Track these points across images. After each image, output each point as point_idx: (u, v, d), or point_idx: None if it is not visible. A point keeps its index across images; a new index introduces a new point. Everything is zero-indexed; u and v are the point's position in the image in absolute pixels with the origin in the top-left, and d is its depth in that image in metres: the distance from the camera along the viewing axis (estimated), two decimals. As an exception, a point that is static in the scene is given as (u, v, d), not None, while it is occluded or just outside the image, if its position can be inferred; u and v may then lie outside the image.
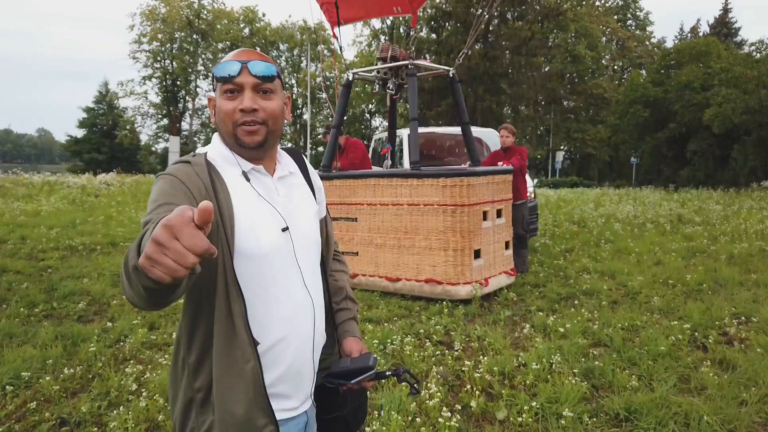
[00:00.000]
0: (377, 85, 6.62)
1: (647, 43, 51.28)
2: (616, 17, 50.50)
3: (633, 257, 7.52)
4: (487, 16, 25.25)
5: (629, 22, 52.87)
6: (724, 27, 43.82)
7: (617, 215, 12.35)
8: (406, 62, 6.07)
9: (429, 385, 3.40)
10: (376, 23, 40.09)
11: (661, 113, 28.71)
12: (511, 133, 6.74)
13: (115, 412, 3.14)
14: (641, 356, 3.94)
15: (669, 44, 47.74)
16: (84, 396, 3.40)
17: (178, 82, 47.06)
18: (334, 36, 6.60)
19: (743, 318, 4.81)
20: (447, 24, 29.50)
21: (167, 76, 46.63)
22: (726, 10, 44.19)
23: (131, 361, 3.93)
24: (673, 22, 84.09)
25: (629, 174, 40.75)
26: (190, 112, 48.25)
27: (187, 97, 48.46)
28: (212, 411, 1.22)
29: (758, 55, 25.29)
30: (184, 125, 48.26)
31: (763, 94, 21.97)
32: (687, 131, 27.44)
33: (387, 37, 38.93)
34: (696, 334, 4.40)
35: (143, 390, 3.40)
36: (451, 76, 6.37)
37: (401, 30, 37.15)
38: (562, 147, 46.05)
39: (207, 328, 1.22)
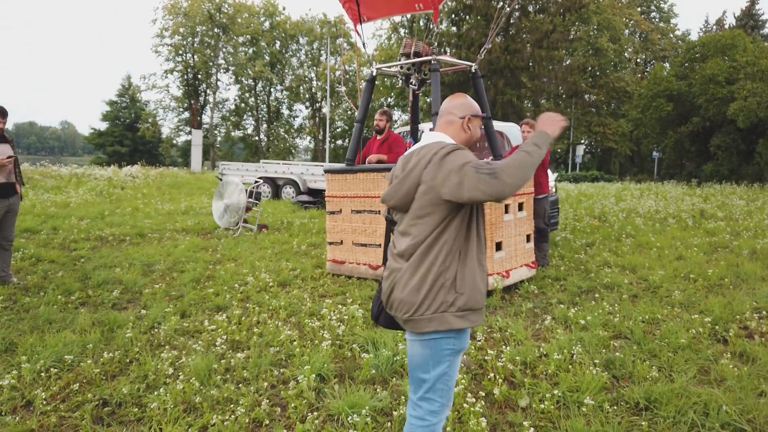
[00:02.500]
0: (400, 81, 6.72)
1: (671, 35, 50.50)
2: (639, 9, 49.79)
3: (654, 252, 7.54)
4: (508, 9, 25.13)
5: (653, 14, 52.08)
6: (750, 19, 42.98)
7: (638, 210, 12.31)
8: (429, 58, 6.15)
9: (453, 372, 3.51)
10: (396, 17, 40.06)
11: (684, 107, 28.34)
12: (533, 128, 6.78)
13: (155, 393, 3.31)
14: (661, 348, 4.01)
15: (694, 37, 47.00)
16: (123, 379, 3.57)
17: (200, 76, 47.53)
18: (357, 33, 6.70)
19: (764, 312, 4.84)
20: (468, 17, 29.38)
21: (188, 70, 47.13)
22: (753, 2, 43.31)
23: (166, 347, 4.10)
24: (698, 14, 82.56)
25: (651, 168, 40.33)
26: (211, 105, 48.71)
27: (207, 91, 48.92)
28: (458, 290, 2.02)
29: (785, 47, 24.84)
30: (205, 118, 48.77)
31: (790, 87, 21.58)
32: (711, 125, 27.05)
33: (407, 30, 38.89)
34: (716, 327, 4.44)
35: (180, 374, 3.57)
36: (473, 71, 6.44)
37: (421, 23, 37.09)
38: (582, 141, 45.66)
39: (465, 240, 2.06)
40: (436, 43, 6.30)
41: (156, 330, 4.49)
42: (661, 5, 51.72)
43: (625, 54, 47.90)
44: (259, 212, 9.81)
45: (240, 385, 3.47)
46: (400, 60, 6.47)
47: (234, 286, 5.73)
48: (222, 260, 7.15)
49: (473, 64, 6.41)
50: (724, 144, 26.04)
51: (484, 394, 3.30)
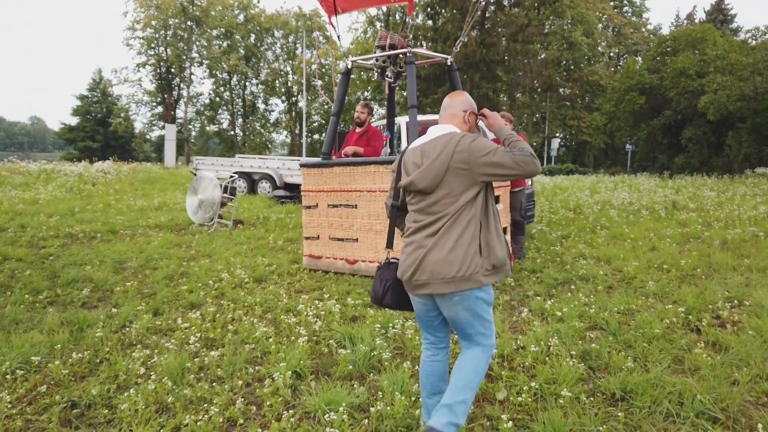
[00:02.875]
0: (376, 73, 6.66)
1: (643, 29, 51.22)
2: (612, 4, 50.39)
3: (628, 243, 7.63)
4: (483, 3, 25.14)
5: (625, 8, 52.76)
6: (720, 14, 43.78)
7: (613, 202, 12.46)
8: (405, 50, 6.10)
9: (431, 367, 3.49)
10: (371, 10, 39.89)
11: (656, 100, 28.77)
12: (509, 120, 6.78)
13: (125, 394, 3.22)
14: (636, 339, 4.04)
15: (665, 31, 47.72)
16: (93, 380, 3.47)
17: (173, 69, 46.77)
18: (332, 25, 6.62)
19: (736, 302, 4.91)
20: (443, 11, 29.37)
21: (161, 63, 46.34)
22: (722, -4, 44.09)
23: (137, 346, 4.00)
24: (669, 8, 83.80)
25: (624, 161, 40.93)
26: (185, 99, 47.99)
27: (181, 85, 48.18)
28: (483, 254, 2.42)
29: (753, 42, 25.34)
30: (179, 113, 48.03)
31: (758, 81, 22.02)
32: (682, 118, 27.52)
33: (383, 24, 38.78)
34: (690, 317, 4.49)
35: (151, 373, 3.48)
36: (449, 64, 6.41)
37: (397, 17, 36.97)
38: (557, 134, 46.13)
39: (484, 213, 2.46)
40: (411, 36, 6.25)
41: (127, 329, 4.39)
42: (633, 0, 52.41)
43: (599, 48, 48.46)
44: (234, 207, 9.68)
45: (214, 383, 3.40)
46: (375, 52, 6.41)
47: (208, 283, 5.64)
48: (196, 257, 7.03)
49: (449, 57, 6.38)
50: (695, 136, 26.51)
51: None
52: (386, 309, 3.29)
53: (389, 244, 2.79)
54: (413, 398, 3.14)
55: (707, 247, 7.25)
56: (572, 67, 44.62)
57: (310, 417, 3.04)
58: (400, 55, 6.35)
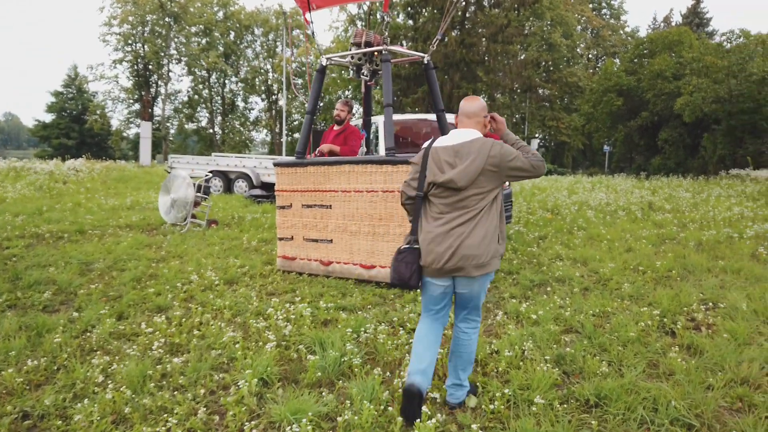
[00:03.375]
0: (351, 71, 6.55)
1: (621, 32, 51.79)
2: (591, 6, 50.85)
3: (605, 244, 7.62)
4: (464, 3, 25.14)
5: (604, 11, 53.31)
6: (696, 17, 44.43)
7: (590, 203, 12.50)
8: (380, 48, 6.00)
9: (402, 374, 3.39)
10: (352, 8, 39.73)
11: (633, 102, 29.06)
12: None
13: (80, 404, 3.07)
14: (611, 342, 3.99)
15: (642, 33, 48.30)
16: (48, 388, 3.31)
17: (150, 66, 46.09)
18: (306, 21, 6.49)
19: (711, 304, 4.90)
20: (423, 10, 29.31)
21: (138, 60, 45.63)
22: (698, 0, 44.80)
23: (98, 352, 3.84)
24: (646, 11, 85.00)
25: (602, 162, 41.33)
26: (163, 96, 47.33)
27: (159, 82, 47.49)
28: (499, 242, 2.92)
29: (728, 45, 25.70)
30: (157, 110, 47.36)
31: (733, 83, 22.33)
32: (659, 120, 27.83)
33: (364, 23, 38.61)
34: (665, 320, 4.46)
35: (110, 382, 3.33)
36: (425, 62, 6.32)
37: (378, 15, 36.86)
38: (537, 135, 46.42)
39: (500, 210, 2.94)
40: (387, 33, 6.15)
41: (88, 334, 4.22)
42: (612, 2, 52.99)
43: (578, 50, 48.87)
44: (208, 207, 9.48)
45: (176, 392, 3.26)
46: (351, 50, 6.30)
47: (177, 285, 5.47)
48: (166, 257, 6.85)
49: (425, 55, 6.29)
50: (671, 138, 26.82)
51: (433, 396, 3.19)
52: (411, 290, 3.64)
53: (414, 232, 3.00)
54: (382, 407, 3.03)
55: (682, 248, 7.26)
56: (551, 69, 44.93)
57: (275, 427, 2.92)
58: (376, 53, 6.24)
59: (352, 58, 6.33)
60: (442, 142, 2.96)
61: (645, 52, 31.13)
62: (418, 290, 3.15)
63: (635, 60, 31.37)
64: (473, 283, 2.92)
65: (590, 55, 52.09)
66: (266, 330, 4.19)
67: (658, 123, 28.00)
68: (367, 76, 6.38)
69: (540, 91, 40.34)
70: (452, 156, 2.88)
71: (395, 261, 2.95)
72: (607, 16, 52.74)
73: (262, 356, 3.63)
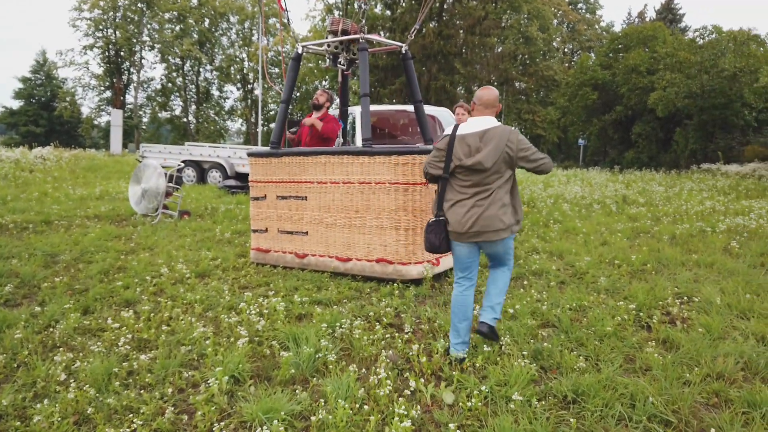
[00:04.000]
0: (328, 60, 6.41)
1: (596, 26, 52.25)
2: (567, 0, 51.18)
3: (581, 238, 7.64)
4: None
5: (580, 5, 53.68)
6: (669, 13, 45.02)
7: (566, 196, 12.56)
8: (357, 36, 5.87)
9: (378, 370, 3.31)
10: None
11: (608, 96, 29.37)
12: (467, 110, 6.64)
13: (40, 404, 2.92)
14: (588, 337, 3.97)
15: (617, 29, 48.79)
16: (7, 387, 3.16)
17: (122, 53, 45.06)
18: (281, 8, 6.33)
19: (685, 298, 4.92)
20: (401, 1, 29.14)
21: (110, 46, 44.57)
22: (672, -3, 45.35)
23: (61, 349, 3.68)
24: (621, 6, 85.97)
25: (577, 155, 41.75)
26: (135, 84, 46.33)
27: (131, 69, 46.49)
28: (514, 214, 3.51)
29: (701, 41, 26.08)
30: (129, 98, 46.39)
31: (705, 79, 22.70)
32: (633, 114, 28.19)
33: (341, 12, 38.23)
34: (641, 314, 4.46)
35: (73, 380, 3.19)
36: (403, 52, 6.22)
37: (356, 6, 36.55)
38: (513, 127, 46.66)
39: (513, 188, 3.52)
40: (364, 21, 6.02)
41: (52, 329, 4.05)
42: (588, -3, 53.37)
43: (554, 43, 49.20)
44: (180, 198, 9.27)
45: (143, 391, 3.13)
46: (327, 38, 6.16)
47: (146, 279, 5.30)
48: (136, 249, 6.66)
49: (403, 45, 6.19)
50: (644, 132, 27.20)
51: (410, 392, 3.12)
52: (439, 254, 3.94)
53: (440, 207, 3.54)
54: (358, 405, 2.95)
55: (657, 242, 7.32)
56: (528, 62, 45.15)
57: (246, 427, 2.82)
58: (353, 42, 6.12)
59: (329, 46, 6.19)
60: (465, 129, 3.45)
61: (620, 46, 31.45)
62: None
63: (610, 54, 31.69)
64: (496, 245, 3.53)
65: (566, 49, 52.51)
66: (238, 325, 4.08)
67: (632, 117, 28.36)
68: (344, 65, 6.25)
69: (516, 84, 40.53)
70: (477, 141, 3.38)
71: (426, 233, 3.57)
72: (583, 11, 53.14)
73: (234, 352, 3.51)
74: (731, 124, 23.97)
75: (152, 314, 4.33)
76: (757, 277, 5.51)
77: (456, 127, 3.50)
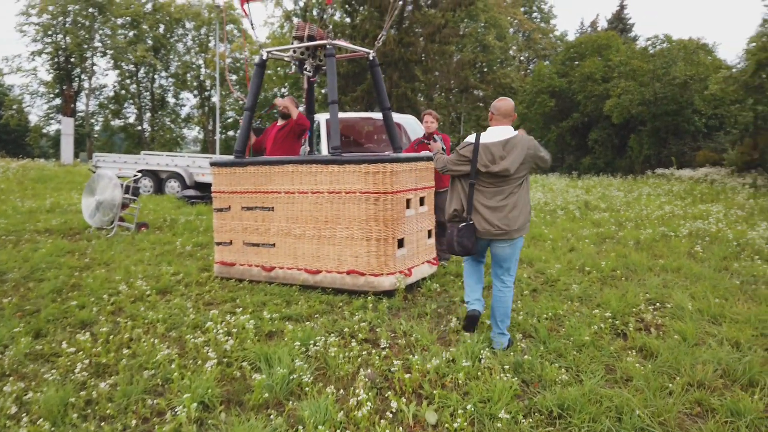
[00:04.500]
0: (293, 66, 6.24)
1: (551, 35, 53.45)
2: (522, 9, 52.21)
3: (548, 244, 7.65)
4: (401, 2, 25.10)
5: (534, 14, 54.84)
6: (620, 23, 46.38)
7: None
8: (325, 42, 5.73)
9: (357, 391, 3.16)
10: (288, 4, 39.02)
11: (565, 103, 29.99)
12: (435, 119, 6.58)
13: (-14, 443, 2.66)
14: (566, 347, 3.91)
15: (571, 37, 50.03)
16: (-51, 423, 2.87)
17: (73, 59, 43.55)
18: (245, 13, 6.13)
19: (657, 304, 4.93)
20: (361, 8, 29.10)
21: (60, 52, 43.01)
22: (622, 7, 46.84)
23: (11, 378, 3.40)
24: (574, 16, 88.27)
25: (535, 161, 42.43)
26: (87, 91, 44.86)
27: (83, 76, 44.99)
28: (527, 215, 3.90)
29: (653, 50, 26.91)
30: (80, 106, 44.88)
31: (657, 86, 23.40)
32: (589, 121, 28.84)
33: (300, 20, 37.95)
34: (617, 322, 4.44)
35: (24, 413, 2.92)
36: (370, 59, 6.10)
37: (314, 13, 36.33)
38: (472, 134, 47.13)
39: (528, 190, 3.93)
40: (330, 27, 5.88)
41: (0, 356, 3.74)
42: (542, 6, 54.63)
43: (510, 52, 50.07)
44: (137, 209, 8.90)
45: (103, 422, 2.89)
46: (293, 44, 5.99)
47: (103, 297, 5.00)
48: (91, 265, 6.31)
49: (371, 51, 6.07)
50: (600, 138, 27.85)
51: (391, 414, 2.98)
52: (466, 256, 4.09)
53: (469, 211, 3.85)
54: (338, 430, 2.79)
55: (622, 247, 7.39)
56: (485, 70, 45.78)
57: (219, 459, 2.62)
58: (320, 48, 5.97)
59: (294, 52, 6.03)
60: (488, 138, 3.81)
61: (575, 55, 32.19)
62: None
63: (566, 63, 32.39)
64: (513, 244, 3.86)
65: (522, 58, 53.49)
66: (205, 345, 3.85)
67: (588, 124, 29.01)
68: (310, 71, 6.09)
69: (475, 91, 40.97)
70: (501, 149, 3.74)
71: (458, 236, 3.81)
72: (538, 20, 54.30)
73: (202, 376, 3.30)
74: (683, 130, 24.77)
75: (111, 336, 4.05)
76: (723, 281, 5.59)
77: (478, 135, 3.86)
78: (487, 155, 3.75)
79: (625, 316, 4.62)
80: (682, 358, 3.65)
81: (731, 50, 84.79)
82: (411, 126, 8.71)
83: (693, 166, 22.25)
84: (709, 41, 33.23)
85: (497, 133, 3.80)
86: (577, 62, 31.09)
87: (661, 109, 23.67)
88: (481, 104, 44.69)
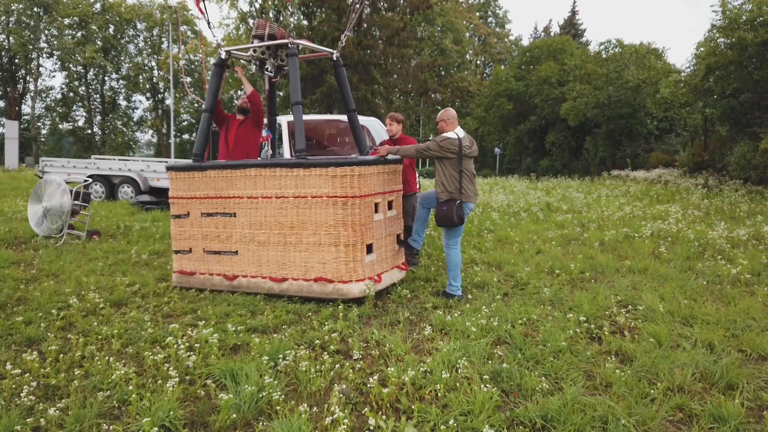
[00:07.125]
0: (254, 66, 6.00)
1: (506, 40, 54.38)
2: (478, 14, 52.94)
3: (515, 247, 7.62)
4: (359, 7, 25.06)
5: (490, 19, 55.70)
6: (572, 28, 47.59)
7: (492, 204, 12.69)
8: (287, 41, 5.51)
9: (331, 408, 2.97)
10: (243, 5, 38.40)
11: (523, 106, 30.46)
12: (397, 121, 6.45)
13: None
14: (543, 353, 3.81)
15: (525, 42, 51.00)
16: None
17: (17, 60, 41.78)
18: (201, 11, 5.85)
19: (629, 306, 4.91)
20: (319, 10, 28.86)
21: (3, 53, 41.19)
22: (574, 13, 48.05)
23: (-54, 405, 3.07)
24: (528, 21, 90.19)
25: (493, 164, 43.03)
26: (32, 93, 43.08)
27: (28, 77, 43.21)
28: None
29: (606, 54, 27.59)
30: (26, 108, 43.06)
31: (611, 90, 23.97)
32: (546, 123, 29.36)
33: (259, 18, 37.42)
34: (591, 326, 4.38)
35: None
36: (334, 59, 5.93)
37: (270, 15, 35.86)
38: (431, 138, 47.44)
39: None
40: (291, 26, 5.67)
41: (-66, 381, 3.39)
42: (497, 11, 55.53)
43: (467, 56, 50.66)
44: (88, 216, 8.45)
45: (52, 454, 2.62)
46: (253, 43, 5.75)
47: (52, 312, 4.65)
48: (38, 277, 5.92)
49: (335, 51, 5.90)
50: (557, 141, 28.39)
51: (368, 431, 2.81)
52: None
53: (460, 191, 5.12)
54: (314, 452, 2.60)
55: (588, 248, 7.42)
56: (443, 73, 46.15)
57: (184, 490, 2.39)
58: (281, 48, 5.75)
59: (254, 51, 5.79)
60: (460, 134, 5.19)
61: (531, 59, 32.74)
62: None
63: (523, 66, 32.91)
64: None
65: (478, 62, 54.19)
66: (165, 362, 3.59)
67: (545, 126, 29.53)
68: (271, 72, 5.87)
69: (433, 95, 41.23)
70: (469, 141, 5.29)
71: (456, 211, 5.06)
72: (493, 24, 55.15)
73: (162, 396, 3.05)
74: (636, 132, 25.45)
75: (61, 355, 3.74)
76: (689, 281, 5.63)
77: (456, 133, 5.16)
78: (465, 146, 5.16)
79: (597, 319, 4.57)
80: (660, 362, 3.60)
81: (680, 55, 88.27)
82: (375, 128, 8.56)
83: (647, 168, 22.86)
84: (659, 46, 34.34)
85: (461, 131, 5.26)
86: (533, 66, 31.62)
87: (615, 112, 24.26)
88: (439, 107, 44.98)
